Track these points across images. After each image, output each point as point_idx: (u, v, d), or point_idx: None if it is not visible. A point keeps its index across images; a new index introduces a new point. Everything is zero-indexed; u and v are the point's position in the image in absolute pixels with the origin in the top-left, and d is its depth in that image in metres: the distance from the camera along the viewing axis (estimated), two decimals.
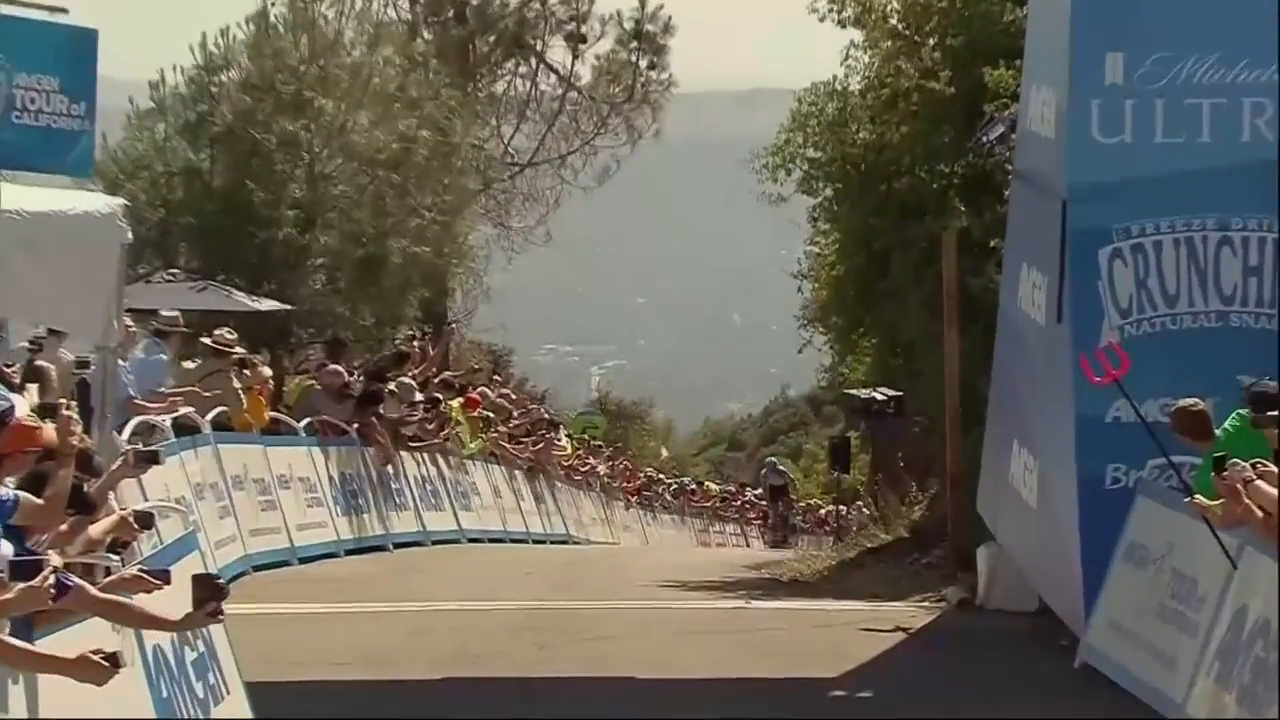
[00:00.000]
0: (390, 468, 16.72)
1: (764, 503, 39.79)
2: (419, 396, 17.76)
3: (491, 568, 15.01)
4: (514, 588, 12.79)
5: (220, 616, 5.56)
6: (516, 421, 23.10)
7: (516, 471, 22.65)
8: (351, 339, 18.21)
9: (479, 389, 21.93)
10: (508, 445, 21.89)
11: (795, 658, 9.41)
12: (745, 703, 8.42)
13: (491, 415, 21.14)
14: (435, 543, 17.37)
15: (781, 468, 38.76)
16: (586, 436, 32.12)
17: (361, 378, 16.79)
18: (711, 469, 69.57)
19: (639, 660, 9.17)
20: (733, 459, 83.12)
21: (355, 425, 16.04)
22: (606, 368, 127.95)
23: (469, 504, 19.54)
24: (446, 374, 19.68)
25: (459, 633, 9.91)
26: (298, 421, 15.06)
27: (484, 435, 20.64)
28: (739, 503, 41.03)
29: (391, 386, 17.18)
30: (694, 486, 39.87)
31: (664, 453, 57.29)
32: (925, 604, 11.75)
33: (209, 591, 5.54)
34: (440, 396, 18.58)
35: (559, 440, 25.69)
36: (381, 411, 16.58)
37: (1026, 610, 10.77)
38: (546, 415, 26.05)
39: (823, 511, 43.36)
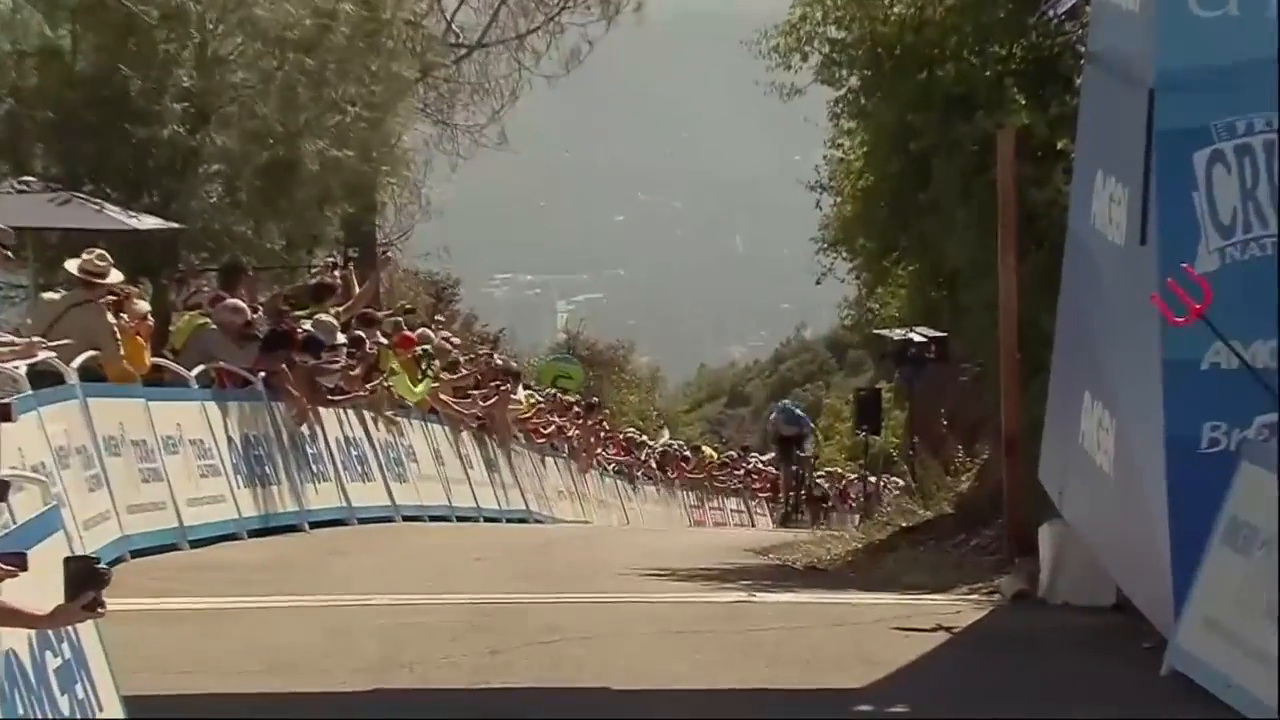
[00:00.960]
0: (306, 427, 16.71)
1: (771, 468, 39.82)
2: (341, 338, 17.73)
3: (432, 552, 15.03)
4: (460, 577, 12.80)
5: (101, 610, 5.51)
6: (464, 371, 23.10)
7: (464, 432, 22.65)
8: (255, 265, 18.14)
9: (419, 330, 21.89)
10: (451, 399, 21.89)
11: (811, 664, 9.41)
12: (747, 718, 8.43)
13: (429, 350, 21.11)
14: (363, 521, 17.38)
15: (800, 413, 36.69)
16: (557, 389, 32.15)
17: (269, 314, 16.72)
18: (708, 429, 69.87)
19: (615, 667, 9.16)
20: (734, 416, 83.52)
21: (261, 373, 16.00)
22: (576, 302, 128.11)
23: (404, 473, 19.57)
24: (369, 310, 19.65)
25: (391, 633, 9.90)
26: (188, 369, 15.01)
27: (430, 373, 20.62)
28: (742, 471, 41.20)
29: (307, 325, 17.14)
30: (686, 452, 40.00)
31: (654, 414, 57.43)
32: (974, 597, 11.79)
33: (86, 579, 5.47)
34: (364, 335, 18.55)
35: (517, 394, 25.69)
36: (294, 357, 16.54)
37: (1101, 604, 10.80)
38: (500, 362, 26.05)
39: (845, 482, 43.56)
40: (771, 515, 38.15)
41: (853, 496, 39.32)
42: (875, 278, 19.69)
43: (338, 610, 10.74)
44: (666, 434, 39.34)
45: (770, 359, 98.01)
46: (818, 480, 40.71)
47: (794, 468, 34.40)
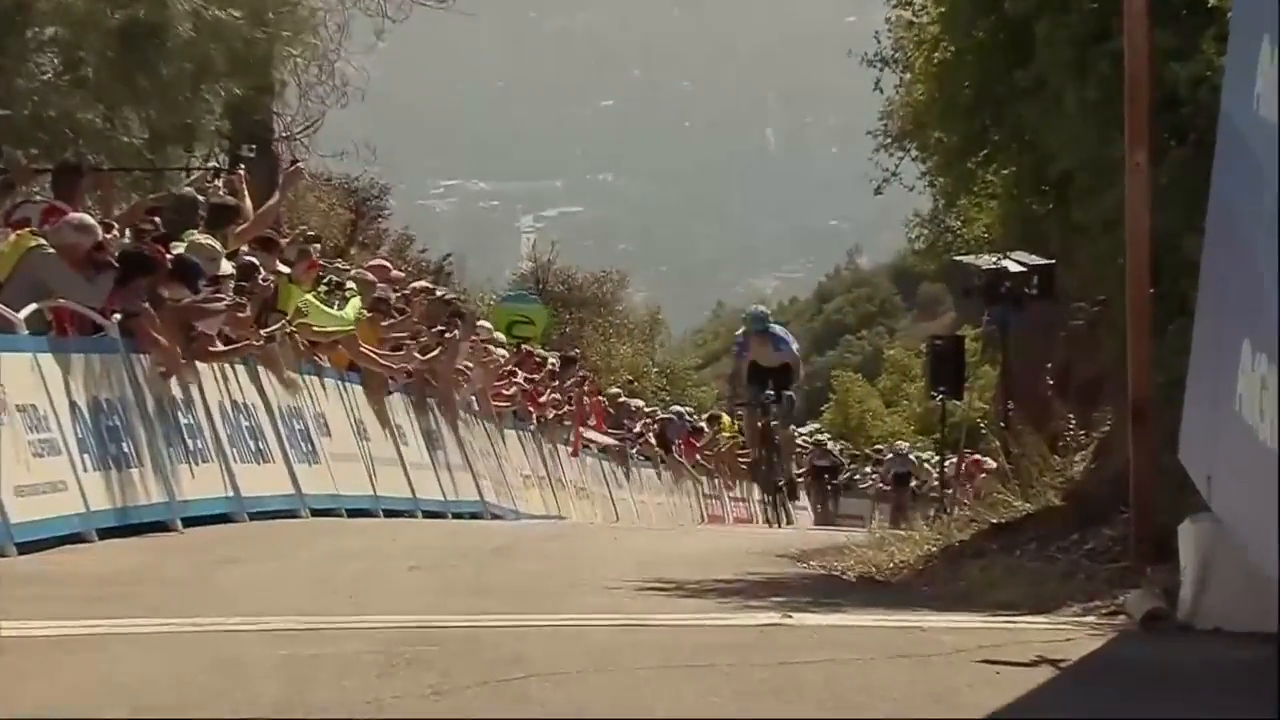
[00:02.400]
0: (179, 388, 16.71)
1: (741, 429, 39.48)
2: (227, 266, 17.73)
3: (352, 559, 15.08)
4: (390, 592, 12.84)
5: None
6: (396, 314, 23.11)
7: (396, 396, 22.67)
8: (106, 165, 18.10)
9: (334, 263, 21.91)
10: (375, 351, 21.90)
11: (867, 708, 9.43)
12: None
13: (340, 280, 21.13)
14: (257, 517, 17.39)
15: (782, 331, 28.09)
16: (516, 339, 32.22)
17: (129, 235, 16.71)
18: (729, 392, 69.92)
19: (599, 712, 9.17)
20: None
21: (116, 315, 15.98)
22: (547, 219, 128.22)
23: (314, 451, 19.63)
24: (269, 231, 19.65)
25: (296, 668, 9.91)
26: (15, 308, 15.00)
27: (352, 293, 20.63)
28: None
29: (180, 250, 17.13)
30: (700, 423, 40.08)
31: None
32: (1089, 619, 11.83)
33: None
34: (257, 263, 18.54)
35: (473, 347, 25.74)
36: (163, 292, 16.52)
37: (1264, 630, 10.80)
38: (441, 295, 26.09)
39: (893, 454, 43.57)
40: (749, 497, 37.82)
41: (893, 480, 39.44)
42: (956, 184, 19.69)
43: (223, 637, 10.76)
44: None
45: (813, 296, 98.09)
46: (803, 444, 40.01)
47: (769, 421, 27.85)
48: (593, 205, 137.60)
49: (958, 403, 33.15)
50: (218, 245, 17.72)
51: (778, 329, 27.92)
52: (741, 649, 10.66)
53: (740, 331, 28.40)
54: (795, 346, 27.76)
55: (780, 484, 29.34)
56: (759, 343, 27.17)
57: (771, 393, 27.33)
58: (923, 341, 46.37)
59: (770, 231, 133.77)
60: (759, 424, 28.22)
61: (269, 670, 9.84)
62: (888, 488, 46.92)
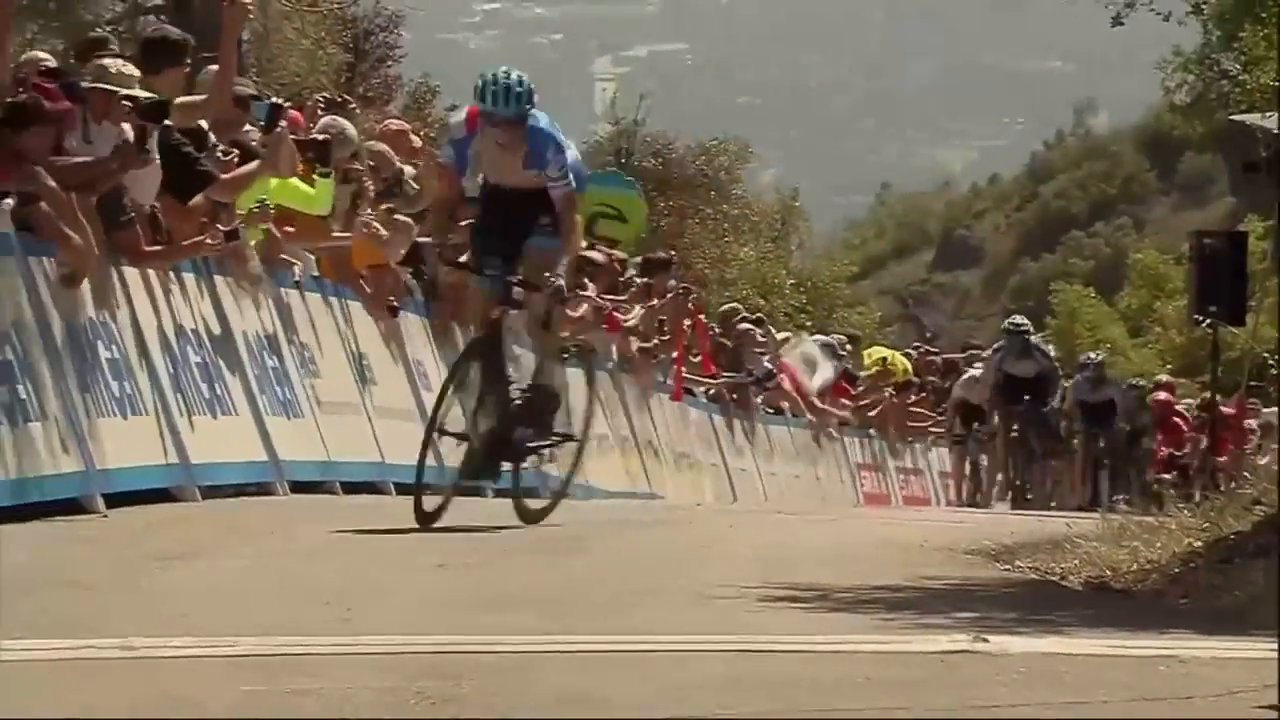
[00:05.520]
0: (92, 304, 16.81)
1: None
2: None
3: (349, 553, 15.14)
4: (403, 602, 12.99)
5: None
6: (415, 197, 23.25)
7: (412, 319, 22.72)
8: None
9: (325, 120, 22.02)
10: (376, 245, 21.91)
11: None
12: None
13: (355, 166, 21.24)
14: (211, 493, 17.47)
15: (548, 134, 19.75)
16: (598, 240, 32.30)
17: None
18: (897, 313, 69.65)
19: None
20: (949, 286, 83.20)
21: (8, 200, 16.12)
22: (633, 61, 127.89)
23: (295, 399, 19.72)
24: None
25: (265, 708, 10.01)
26: None
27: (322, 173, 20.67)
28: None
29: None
30: (852, 364, 40.02)
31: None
32: None
33: None
34: (205, 125, 18.59)
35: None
36: (69, 145, 16.65)
37: None
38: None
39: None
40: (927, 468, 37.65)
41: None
42: (1237, 8, 19.68)
43: (163, 666, 10.86)
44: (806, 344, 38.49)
45: (1023, 173, 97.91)
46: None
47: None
48: (701, 42, 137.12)
49: (1236, 330, 33.07)
50: (128, 69, 17.63)
51: (538, 118, 18.61)
52: (913, 686, 10.73)
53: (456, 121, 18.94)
54: (570, 155, 18.83)
55: (563, 437, 20.43)
56: (500, 139, 18.07)
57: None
58: (1186, 240, 46.17)
59: (956, 81, 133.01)
60: (493, 309, 19.04)
61: (228, 712, 9.96)
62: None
